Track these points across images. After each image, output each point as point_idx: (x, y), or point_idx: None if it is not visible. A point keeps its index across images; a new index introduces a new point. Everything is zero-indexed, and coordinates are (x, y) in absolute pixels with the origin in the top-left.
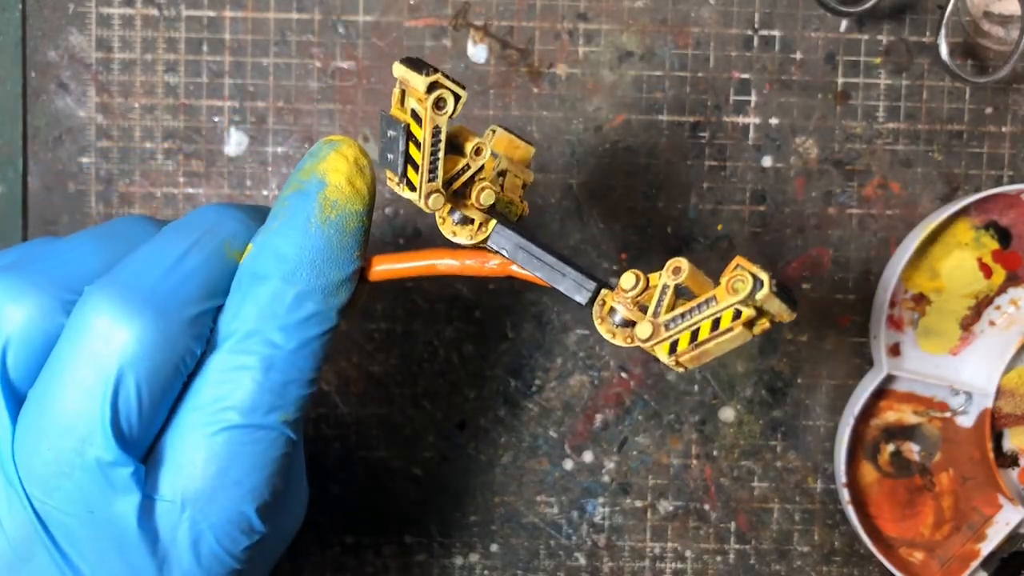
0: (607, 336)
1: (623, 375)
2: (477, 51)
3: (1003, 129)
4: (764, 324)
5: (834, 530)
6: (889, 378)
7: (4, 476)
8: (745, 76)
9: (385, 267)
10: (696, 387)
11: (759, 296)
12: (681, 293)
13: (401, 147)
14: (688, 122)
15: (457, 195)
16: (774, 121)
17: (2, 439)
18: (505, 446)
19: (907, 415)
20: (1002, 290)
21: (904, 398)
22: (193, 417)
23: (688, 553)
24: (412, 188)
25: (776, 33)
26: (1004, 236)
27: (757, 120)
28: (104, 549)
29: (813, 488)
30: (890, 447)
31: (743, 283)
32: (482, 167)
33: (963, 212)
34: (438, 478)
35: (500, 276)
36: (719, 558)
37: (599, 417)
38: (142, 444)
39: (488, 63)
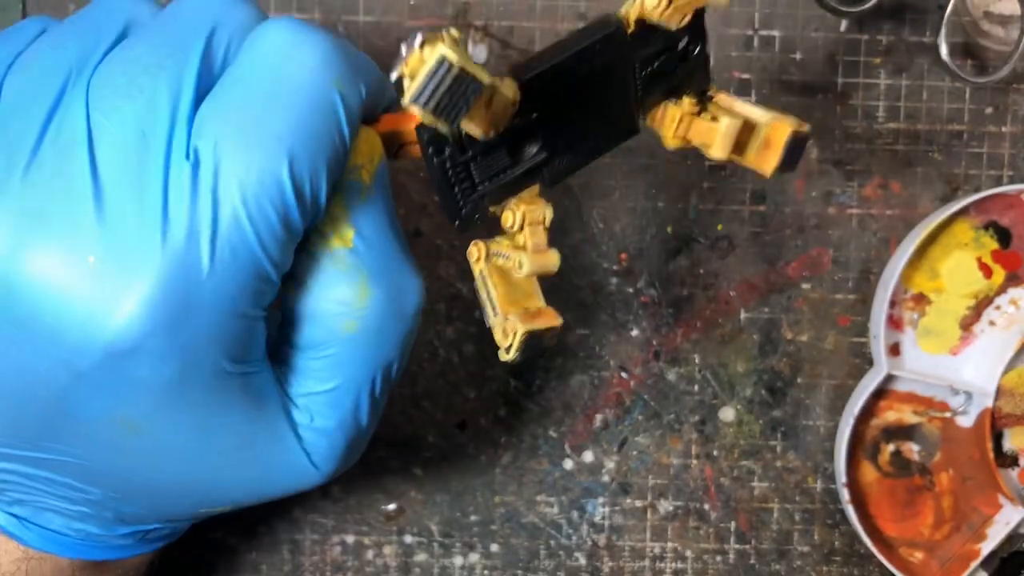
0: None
1: (623, 375)
2: (477, 51)
3: (1003, 129)
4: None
5: (834, 530)
6: (889, 378)
7: (71, 98)
8: (745, 76)
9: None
10: (696, 387)
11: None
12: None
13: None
14: None
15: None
16: None
17: (83, 73)
18: (505, 446)
19: (907, 415)
20: (1002, 290)
21: (904, 398)
22: (248, 68)
23: (688, 553)
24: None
25: (776, 33)
26: (1004, 236)
27: None
28: (139, 187)
29: (813, 488)
30: (890, 447)
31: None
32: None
33: (963, 212)
34: (438, 478)
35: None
36: (719, 558)
37: (599, 417)
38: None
39: (488, 63)
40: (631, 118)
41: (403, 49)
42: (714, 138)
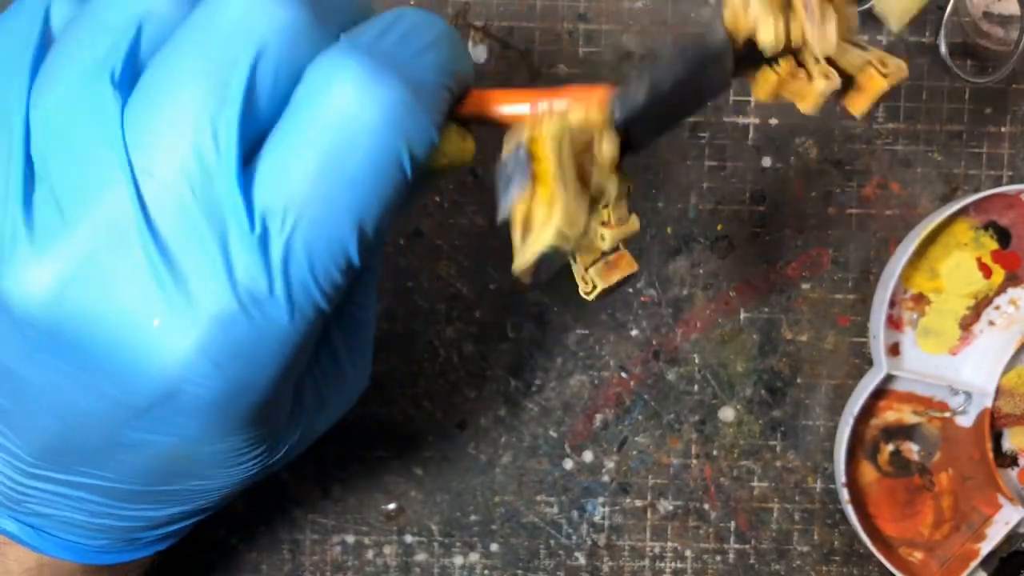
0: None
1: (623, 375)
2: (477, 51)
3: (1003, 129)
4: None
5: (834, 530)
6: (889, 378)
7: (111, 145)
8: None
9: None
10: (696, 387)
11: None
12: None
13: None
14: (688, 122)
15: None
16: (774, 121)
17: (111, 104)
18: (505, 446)
19: (906, 415)
20: (1001, 290)
21: (904, 398)
22: (309, 125)
23: (688, 553)
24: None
25: None
26: (1003, 236)
27: (757, 120)
28: (198, 243)
29: (813, 488)
30: (889, 447)
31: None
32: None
33: (962, 212)
34: (438, 478)
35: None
36: (719, 557)
37: (599, 417)
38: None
39: (488, 63)
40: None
41: (507, 166)
42: (807, 96)
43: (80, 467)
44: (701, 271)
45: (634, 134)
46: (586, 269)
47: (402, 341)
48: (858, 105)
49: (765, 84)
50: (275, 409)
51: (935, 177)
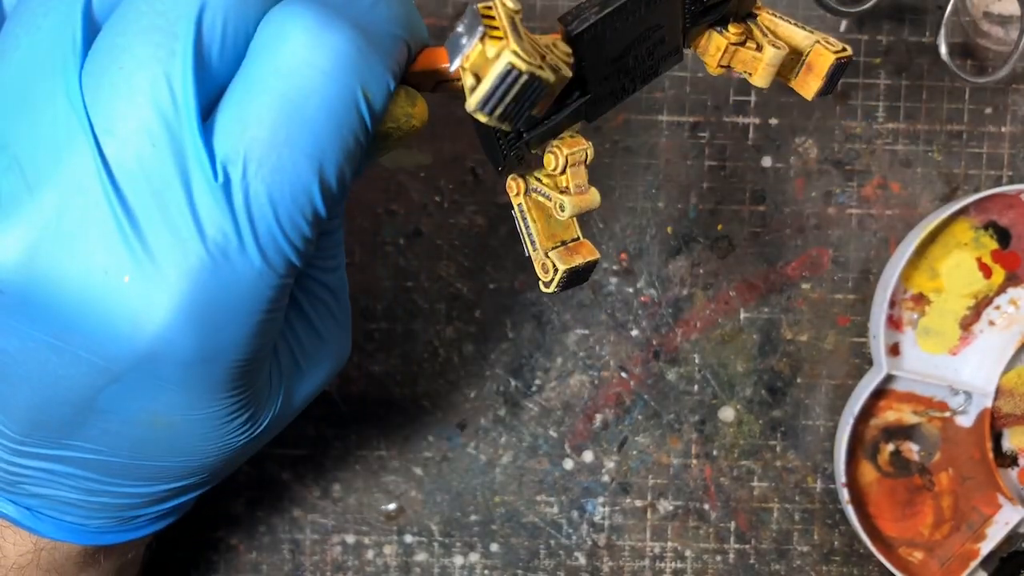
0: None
1: (623, 375)
2: None
3: (1002, 129)
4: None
5: (834, 530)
6: (889, 378)
7: (72, 107)
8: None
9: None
10: (696, 387)
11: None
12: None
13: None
14: (688, 122)
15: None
16: (774, 121)
17: (70, 67)
18: (505, 446)
19: (907, 415)
20: (1001, 290)
21: (904, 398)
22: (265, 73)
23: (688, 553)
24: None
25: None
26: (1003, 236)
27: (757, 120)
28: (163, 198)
29: (813, 488)
30: (890, 447)
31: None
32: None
33: (962, 212)
34: (438, 478)
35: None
36: (719, 558)
37: (599, 417)
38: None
39: None
40: (676, 47)
41: (460, 31)
42: (757, 67)
43: (65, 440)
44: (701, 271)
45: (588, 75)
46: (546, 254)
47: (402, 341)
48: (809, 86)
49: (716, 52)
50: (254, 372)
51: (935, 177)
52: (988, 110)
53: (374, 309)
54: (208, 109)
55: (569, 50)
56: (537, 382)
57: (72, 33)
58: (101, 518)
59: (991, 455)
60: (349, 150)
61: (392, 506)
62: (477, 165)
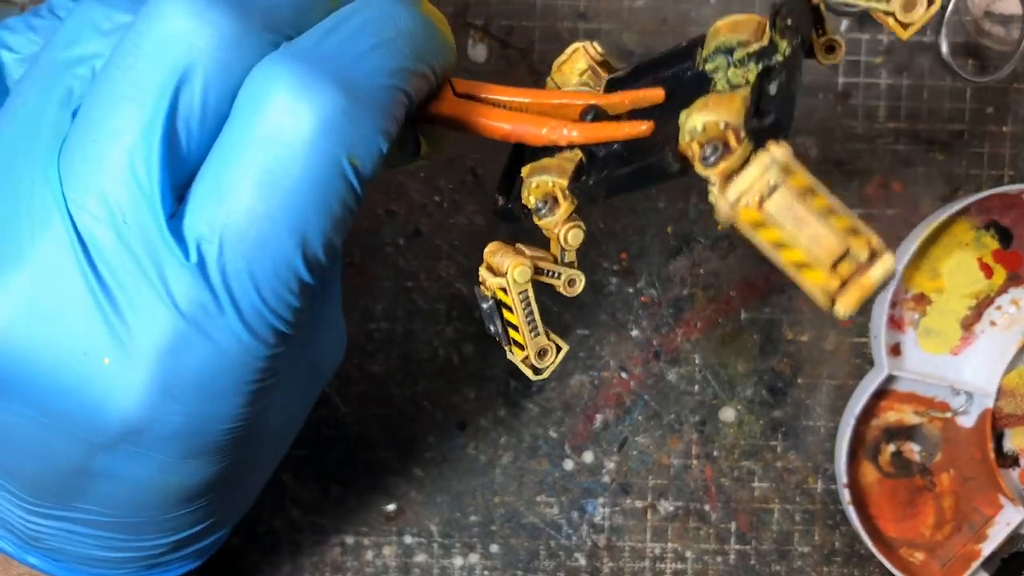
0: None
1: (623, 375)
2: (477, 51)
3: (1004, 129)
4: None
5: (835, 530)
6: (890, 378)
7: (47, 182)
8: None
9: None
10: (696, 387)
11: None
12: None
13: (499, 324)
14: None
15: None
16: None
17: (51, 141)
18: (505, 446)
19: (908, 415)
20: (1003, 290)
21: (905, 398)
22: (243, 142)
23: (688, 553)
24: (521, 347)
25: None
26: (1005, 236)
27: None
28: (136, 276)
29: (814, 488)
30: (891, 447)
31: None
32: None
33: (964, 212)
34: (438, 478)
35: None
36: (719, 558)
37: (599, 417)
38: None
39: (488, 63)
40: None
41: (485, 310)
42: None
43: (73, 503)
44: (701, 271)
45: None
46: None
47: (402, 341)
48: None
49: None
50: (254, 432)
51: (936, 177)
52: (990, 110)
53: (374, 309)
54: (188, 178)
55: (568, 209)
56: (537, 382)
57: (55, 107)
58: (128, 569)
59: (992, 456)
60: (336, 218)
61: (391, 507)
62: (477, 165)
